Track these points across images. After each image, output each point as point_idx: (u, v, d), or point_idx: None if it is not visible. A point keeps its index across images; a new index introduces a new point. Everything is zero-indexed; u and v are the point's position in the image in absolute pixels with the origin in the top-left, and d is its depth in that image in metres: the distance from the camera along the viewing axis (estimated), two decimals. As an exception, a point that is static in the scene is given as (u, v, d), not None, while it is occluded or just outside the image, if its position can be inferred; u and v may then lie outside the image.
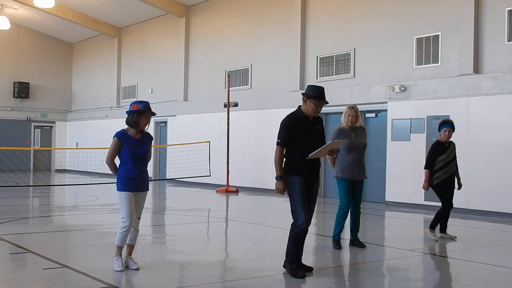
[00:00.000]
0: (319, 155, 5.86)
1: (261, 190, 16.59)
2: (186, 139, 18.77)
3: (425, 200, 12.68)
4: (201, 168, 18.10)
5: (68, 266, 6.15)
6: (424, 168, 8.46)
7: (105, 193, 15.42)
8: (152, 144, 6.34)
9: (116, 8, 21.86)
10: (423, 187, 8.52)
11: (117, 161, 6.04)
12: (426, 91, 12.77)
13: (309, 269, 5.90)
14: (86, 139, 25.36)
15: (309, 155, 5.68)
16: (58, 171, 26.23)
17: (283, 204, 13.45)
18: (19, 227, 9.36)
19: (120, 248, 5.99)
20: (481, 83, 11.85)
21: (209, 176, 17.64)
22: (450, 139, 8.38)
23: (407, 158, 13.08)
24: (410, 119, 13.07)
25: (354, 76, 14.59)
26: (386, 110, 13.68)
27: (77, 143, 26.33)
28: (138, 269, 5.94)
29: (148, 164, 6.25)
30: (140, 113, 5.89)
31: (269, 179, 16.65)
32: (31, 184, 19.69)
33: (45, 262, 6.29)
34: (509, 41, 11.66)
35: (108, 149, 6.03)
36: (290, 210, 5.81)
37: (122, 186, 5.93)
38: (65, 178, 21.97)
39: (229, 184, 16.67)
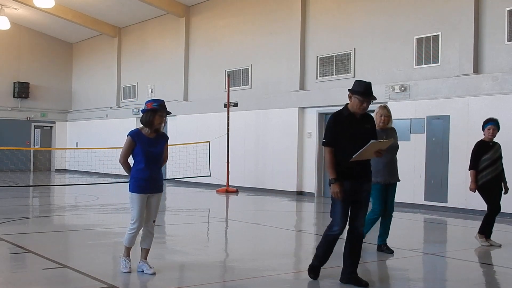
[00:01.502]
0: (365, 157, 5.36)
1: (261, 190, 16.59)
2: (186, 139, 18.76)
3: (425, 200, 12.70)
4: (201, 168, 18.10)
5: (68, 266, 6.15)
6: (469, 169, 7.99)
7: (105, 193, 15.40)
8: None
9: (116, 8, 21.86)
10: (470, 189, 8.00)
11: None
12: (426, 91, 12.77)
13: (365, 284, 5.41)
14: (86, 139, 25.36)
15: (353, 157, 5.25)
16: (58, 171, 26.22)
17: (283, 204, 13.45)
18: (19, 227, 9.36)
19: (128, 249, 5.90)
20: (481, 83, 11.84)
21: (209, 176, 17.64)
22: (494, 139, 8.00)
23: (407, 158, 13.05)
24: (410, 119, 13.06)
25: (354, 76, 14.57)
26: (386, 110, 13.65)
27: (77, 143, 26.33)
28: (154, 273, 5.78)
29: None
30: (154, 111, 5.76)
31: (269, 179, 16.77)
32: (31, 184, 19.69)
33: (45, 262, 6.29)
34: (509, 41, 11.66)
35: (121, 149, 5.90)
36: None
37: (134, 187, 5.79)
38: (65, 178, 21.97)
39: (229, 184, 16.67)
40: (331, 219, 5.50)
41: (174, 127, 20.41)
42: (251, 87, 17.78)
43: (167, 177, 20.14)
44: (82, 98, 27.14)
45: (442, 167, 12.35)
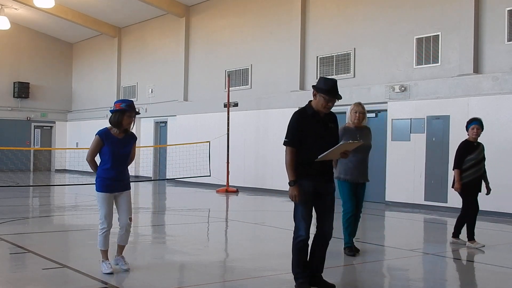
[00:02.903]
0: (331, 157, 5.21)
1: (261, 190, 16.59)
2: (186, 139, 18.77)
3: (425, 200, 12.70)
4: (201, 168, 18.10)
5: (68, 266, 6.15)
6: (454, 169, 7.87)
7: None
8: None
9: (116, 8, 21.86)
10: (455, 188, 7.86)
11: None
12: (426, 91, 12.77)
13: (331, 286, 5.29)
14: (86, 139, 25.22)
15: (319, 157, 5.04)
16: (58, 171, 26.22)
17: (283, 204, 13.44)
18: (19, 227, 9.36)
19: (104, 252, 5.88)
20: (481, 83, 11.84)
21: (209, 176, 17.64)
22: (478, 140, 7.90)
23: (407, 158, 13.08)
24: (410, 119, 13.07)
25: (354, 76, 14.59)
26: (386, 110, 13.68)
27: (77, 143, 26.32)
28: (128, 270, 5.87)
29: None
30: (122, 112, 5.79)
31: (269, 179, 16.77)
32: (31, 184, 19.69)
33: (45, 262, 6.29)
34: (509, 41, 11.66)
35: (89, 148, 5.95)
36: (290, 210, 5.70)
37: (100, 186, 5.84)
38: (65, 178, 21.97)
39: (229, 184, 16.67)
40: (294, 224, 5.24)
41: (174, 127, 20.41)
42: (251, 87, 17.78)
43: (167, 177, 20.15)
44: (82, 98, 27.14)
45: (442, 167, 12.35)
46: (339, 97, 5.22)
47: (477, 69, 12.13)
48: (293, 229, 5.27)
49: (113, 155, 5.80)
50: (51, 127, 27.39)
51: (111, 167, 5.81)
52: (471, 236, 7.89)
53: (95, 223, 10.06)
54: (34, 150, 25.92)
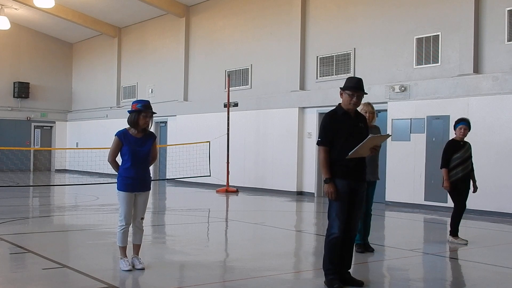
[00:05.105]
0: (361, 154, 5.29)
1: (261, 190, 16.59)
2: (186, 139, 18.77)
3: (425, 200, 12.70)
4: (201, 168, 18.10)
5: (68, 266, 6.15)
6: (441, 168, 8.10)
7: (105, 193, 15.41)
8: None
9: (116, 8, 21.86)
10: (444, 187, 8.10)
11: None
12: (426, 91, 12.77)
13: (359, 283, 5.41)
14: (86, 139, 25.36)
15: (349, 153, 5.19)
16: (58, 171, 26.22)
17: (283, 204, 13.45)
18: (19, 227, 9.35)
19: (123, 249, 6.00)
20: (481, 83, 11.85)
21: (209, 176, 17.64)
22: (465, 139, 8.12)
23: (407, 158, 13.08)
24: (410, 119, 13.07)
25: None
26: (386, 110, 13.67)
27: (77, 143, 26.33)
28: (143, 269, 5.94)
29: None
30: (138, 112, 5.92)
31: (269, 179, 16.77)
32: (31, 184, 19.69)
33: (45, 262, 6.29)
34: (509, 41, 11.66)
35: (109, 148, 6.07)
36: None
37: (121, 185, 5.97)
38: (65, 178, 21.97)
39: (229, 184, 16.67)
40: (328, 222, 5.37)
41: (174, 127, 20.41)
42: (251, 87, 17.78)
43: (167, 177, 20.15)
44: (82, 98, 27.14)
45: (442, 167, 12.34)
46: (364, 93, 5.47)
47: (477, 69, 12.13)
48: (327, 226, 5.39)
49: (132, 154, 5.92)
50: (51, 127, 27.39)
51: (132, 166, 5.93)
52: (454, 232, 8.14)
53: (95, 223, 10.09)
54: (34, 150, 25.92)
